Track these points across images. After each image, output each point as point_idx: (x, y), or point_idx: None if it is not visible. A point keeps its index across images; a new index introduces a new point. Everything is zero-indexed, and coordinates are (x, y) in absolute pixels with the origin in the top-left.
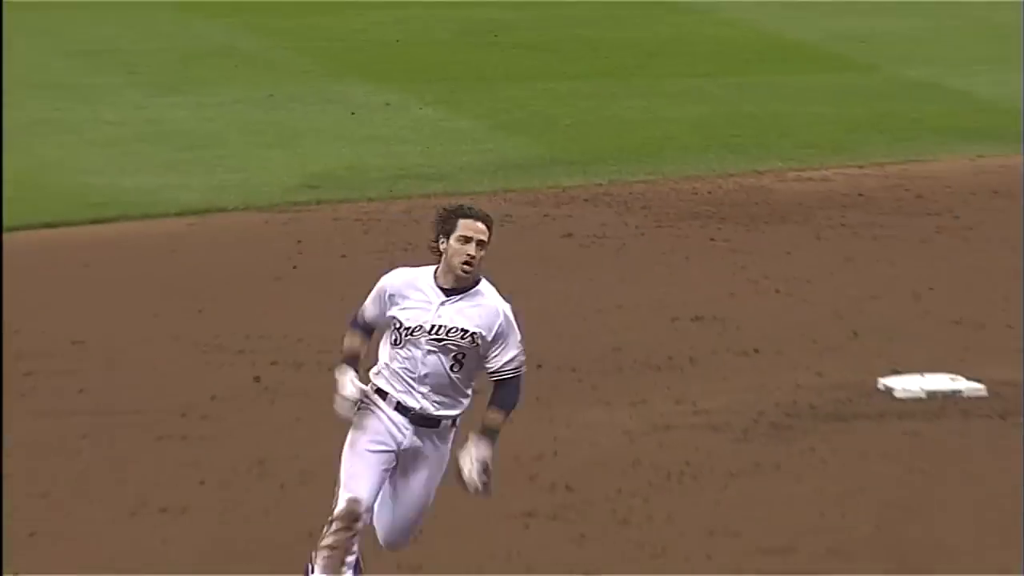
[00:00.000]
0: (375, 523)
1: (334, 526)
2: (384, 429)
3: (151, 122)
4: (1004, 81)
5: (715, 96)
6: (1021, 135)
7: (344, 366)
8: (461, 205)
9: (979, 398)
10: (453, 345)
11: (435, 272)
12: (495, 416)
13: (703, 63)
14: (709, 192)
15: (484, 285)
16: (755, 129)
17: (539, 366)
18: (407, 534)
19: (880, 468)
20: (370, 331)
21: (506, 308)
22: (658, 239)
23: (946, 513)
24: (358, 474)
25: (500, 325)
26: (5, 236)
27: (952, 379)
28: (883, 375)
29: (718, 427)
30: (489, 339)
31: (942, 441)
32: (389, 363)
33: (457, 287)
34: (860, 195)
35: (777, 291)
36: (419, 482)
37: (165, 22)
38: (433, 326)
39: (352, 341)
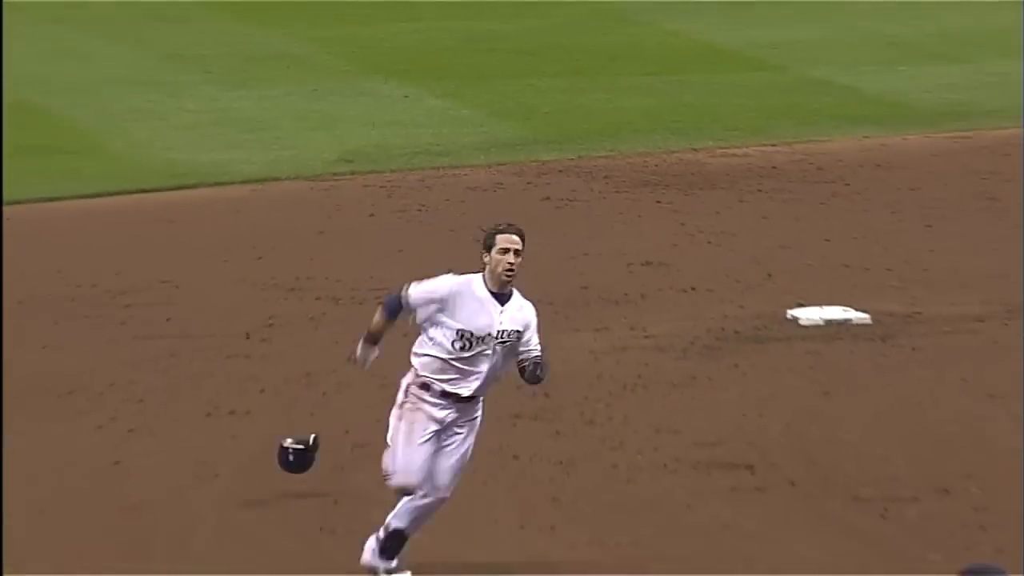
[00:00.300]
0: (429, 477)
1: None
2: (429, 418)
3: (222, 110)
4: (885, 80)
5: (661, 90)
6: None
7: (369, 345)
8: (498, 224)
9: (865, 325)
10: (510, 344)
11: (483, 280)
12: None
13: (651, 64)
14: (656, 165)
15: (514, 291)
16: (692, 116)
17: None
18: (454, 481)
19: (788, 380)
20: (399, 316)
21: (534, 308)
22: (616, 202)
23: (839, 415)
24: (413, 462)
25: (534, 321)
26: (112, 200)
27: (844, 310)
28: (790, 307)
29: (663, 348)
30: (528, 333)
31: (836, 359)
32: (440, 357)
33: (503, 292)
34: (773, 167)
35: (708, 242)
36: (461, 440)
37: (232, 32)
38: (499, 331)
39: (381, 322)
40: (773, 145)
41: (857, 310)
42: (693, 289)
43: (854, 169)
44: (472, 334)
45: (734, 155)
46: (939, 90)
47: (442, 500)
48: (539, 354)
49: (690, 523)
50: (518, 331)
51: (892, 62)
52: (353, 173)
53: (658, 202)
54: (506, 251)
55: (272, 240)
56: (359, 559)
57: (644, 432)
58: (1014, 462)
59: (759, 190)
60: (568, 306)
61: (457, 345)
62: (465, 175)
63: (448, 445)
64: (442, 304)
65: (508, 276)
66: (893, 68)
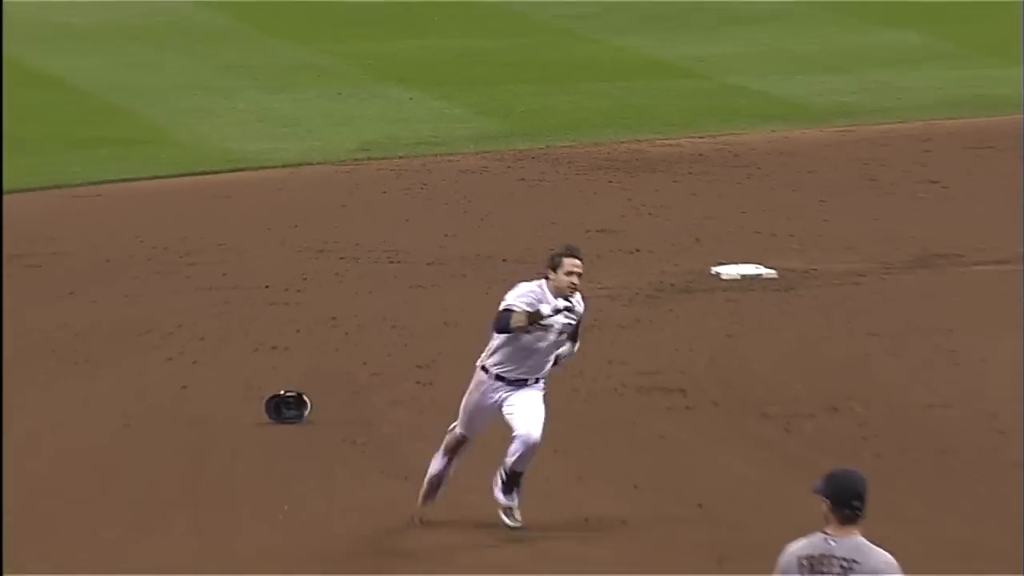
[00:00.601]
0: (524, 431)
1: (451, 436)
2: (487, 394)
3: (265, 110)
4: (787, 86)
5: (612, 95)
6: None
7: (523, 312)
8: (568, 247)
9: (772, 279)
10: (561, 331)
11: (548, 288)
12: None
13: (605, 74)
14: (608, 153)
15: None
16: (637, 115)
17: (504, 260)
18: (540, 431)
19: (712, 322)
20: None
21: (584, 302)
22: (577, 182)
23: (752, 350)
24: (472, 421)
25: (584, 314)
26: (180, 180)
27: (756, 267)
28: (714, 265)
29: (613, 297)
30: (578, 323)
31: (750, 306)
32: (505, 348)
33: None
34: (700, 155)
35: (649, 214)
36: (535, 398)
37: (273, 48)
38: (564, 324)
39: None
40: (700, 137)
41: (766, 267)
42: (637, 251)
43: (764, 156)
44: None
45: (670, 145)
46: (830, 94)
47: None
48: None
49: (635, 436)
50: (569, 324)
51: (793, 72)
52: (369, 159)
53: (610, 182)
54: (571, 273)
55: (305, 212)
56: (379, 468)
57: (598, 363)
58: (888, 386)
59: (689, 173)
60: (539, 264)
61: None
62: (457, 161)
63: (524, 404)
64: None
65: (571, 292)
66: (793, 77)
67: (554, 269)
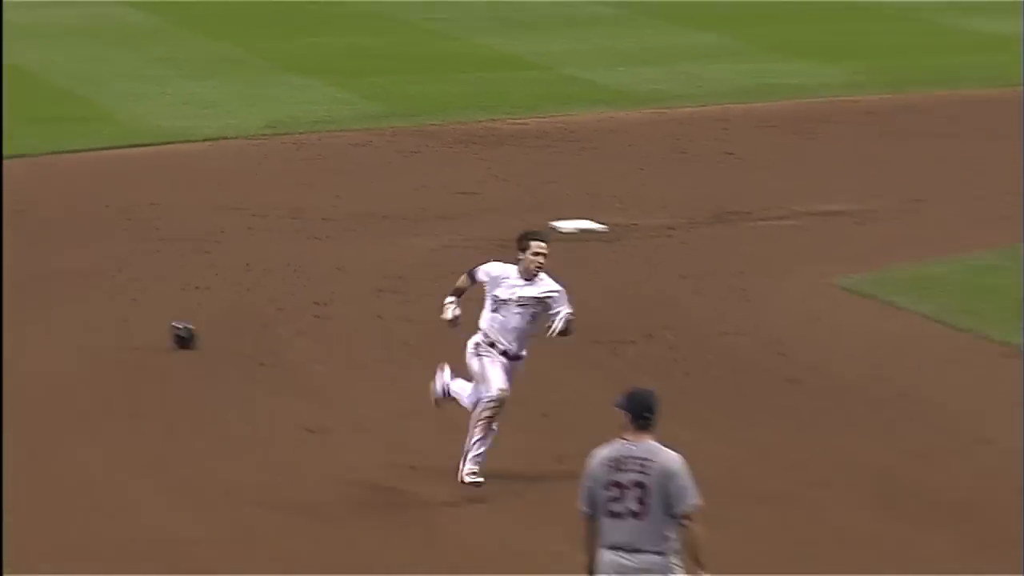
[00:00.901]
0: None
1: (490, 405)
2: (498, 360)
3: (190, 94)
4: (612, 76)
5: (471, 82)
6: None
7: (452, 296)
8: (535, 231)
9: (602, 232)
10: (530, 308)
11: (517, 270)
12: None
13: (465, 66)
14: (469, 130)
15: (543, 275)
16: (492, 99)
17: (384, 217)
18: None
19: (552, 268)
20: (474, 283)
21: (558, 286)
22: (445, 154)
23: (585, 289)
24: (499, 375)
25: (557, 293)
26: (120, 151)
27: (589, 223)
28: (555, 221)
29: (474, 247)
30: (551, 302)
31: (583, 254)
32: (492, 324)
33: (528, 279)
34: (543, 132)
35: (504, 180)
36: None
37: (195, 44)
38: (520, 297)
39: (461, 284)
40: (543, 118)
41: (597, 223)
42: (494, 210)
43: (593, 133)
44: (500, 298)
45: (519, 124)
46: (646, 83)
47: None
48: (566, 313)
49: None
50: (537, 298)
51: (616, 65)
52: (275, 135)
53: (471, 154)
54: (538, 254)
55: (223, 178)
56: (286, 386)
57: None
58: (694, 318)
59: (534, 145)
60: (412, 221)
61: (492, 307)
62: (347, 136)
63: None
64: (493, 280)
65: (537, 271)
66: (616, 69)
67: (523, 251)
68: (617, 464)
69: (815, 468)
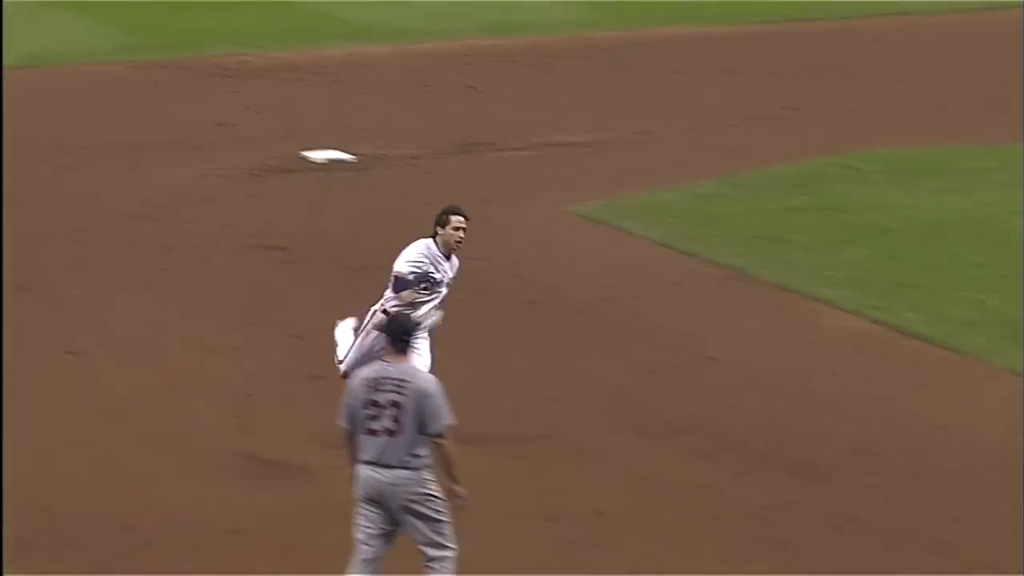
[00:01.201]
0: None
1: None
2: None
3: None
4: (364, 11)
5: (226, 17)
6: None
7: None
8: (455, 207)
9: (352, 162)
10: (449, 285)
11: (436, 244)
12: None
13: (214, 9)
14: (222, 63)
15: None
16: (245, 33)
17: (147, 144)
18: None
19: (305, 196)
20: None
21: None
22: (196, 86)
23: (338, 217)
24: (359, 352)
25: (459, 269)
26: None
27: (340, 152)
28: (306, 151)
29: (227, 177)
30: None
31: (335, 183)
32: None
33: (448, 254)
34: (295, 66)
35: (256, 112)
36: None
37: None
38: (451, 278)
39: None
40: (294, 52)
41: (347, 153)
42: (247, 140)
43: (344, 67)
44: (433, 279)
45: (270, 58)
46: (394, 21)
47: None
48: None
49: (246, 283)
50: (455, 278)
51: (365, 3)
52: (33, 66)
53: (226, 87)
54: (458, 229)
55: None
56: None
57: (216, 228)
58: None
59: (286, 80)
60: (166, 151)
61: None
62: (103, 68)
63: None
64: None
65: (457, 247)
66: (364, 4)
67: (442, 226)
68: (375, 384)
69: (554, 385)
